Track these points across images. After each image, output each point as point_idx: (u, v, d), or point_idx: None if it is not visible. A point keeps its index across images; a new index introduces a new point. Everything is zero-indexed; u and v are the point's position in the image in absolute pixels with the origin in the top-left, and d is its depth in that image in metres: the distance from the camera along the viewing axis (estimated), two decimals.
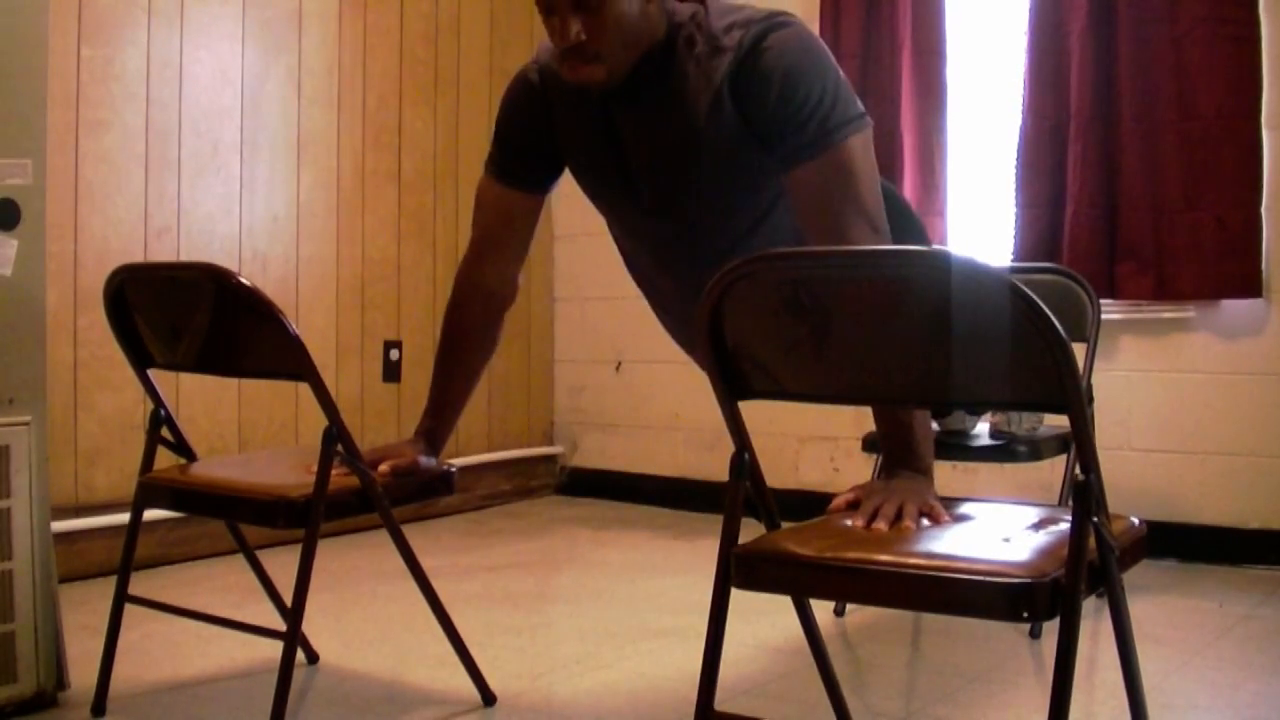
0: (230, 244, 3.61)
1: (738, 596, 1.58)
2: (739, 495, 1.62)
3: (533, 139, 2.17)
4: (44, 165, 2.22)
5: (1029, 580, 1.37)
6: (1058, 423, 2.85)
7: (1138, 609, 2.84)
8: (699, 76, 1.91)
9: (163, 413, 2.30)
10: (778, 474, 3.92)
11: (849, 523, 1.64)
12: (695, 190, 1.98)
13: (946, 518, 1.64)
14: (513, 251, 2.27)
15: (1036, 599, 1.36)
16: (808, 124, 1.83)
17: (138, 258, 3.32)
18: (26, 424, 2.19)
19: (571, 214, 4.64)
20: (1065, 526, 1.44)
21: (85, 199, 3.26)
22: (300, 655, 2.43)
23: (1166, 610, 2.97)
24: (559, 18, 1.92)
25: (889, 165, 3.85)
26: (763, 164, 1.91)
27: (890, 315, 1.46)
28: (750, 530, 1.60)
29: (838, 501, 1.76)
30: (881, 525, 1.61)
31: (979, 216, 3.92)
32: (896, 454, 1.79)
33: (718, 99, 1.89)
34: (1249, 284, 3.36)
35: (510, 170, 2.22)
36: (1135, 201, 3.48)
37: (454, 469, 2.29)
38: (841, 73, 1.89)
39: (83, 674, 2.29)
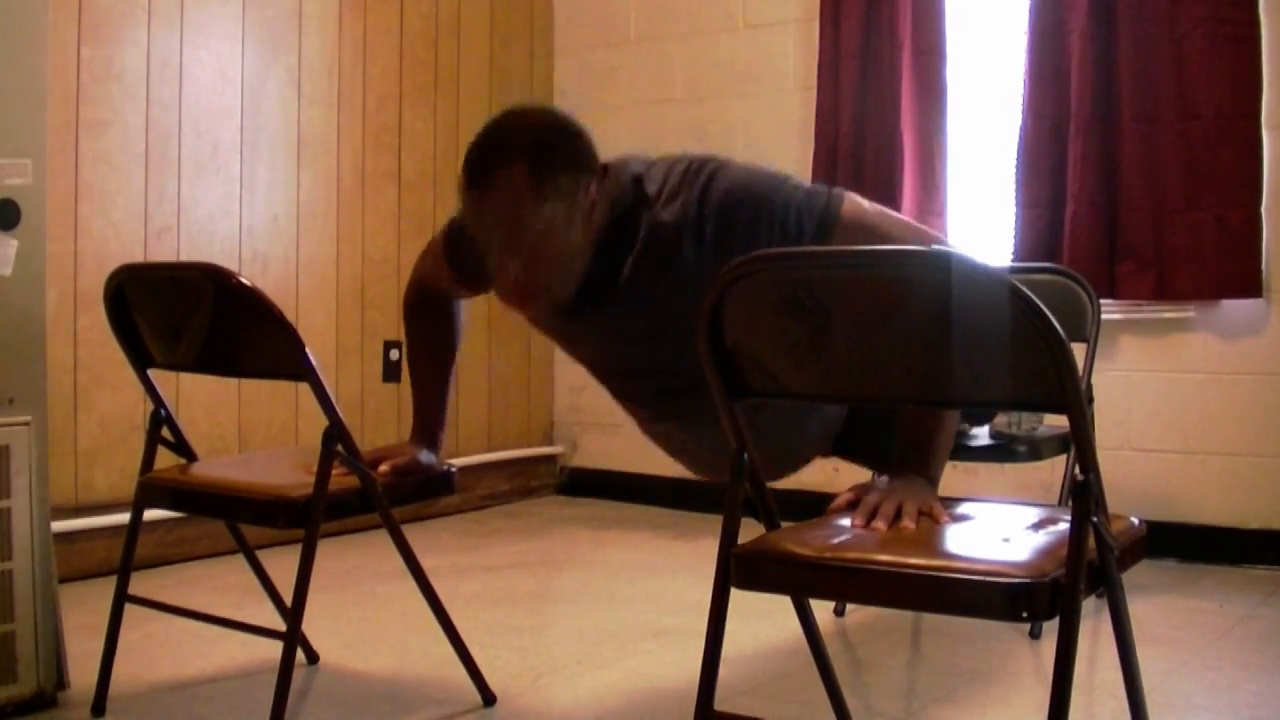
0: (230, 244, 3.61)
1: (738, 596, 1.58)
2: (739, 495, 1.62)
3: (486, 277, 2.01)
4: (44, 165, 2.22)
5: (1028, 580, 1.37)
6: (1058, 423, 2.84)
7: (1138, 609, 2.84)
8: (655, 264, 1.84)
9: (163, 413, 2.30)
10: None
11: (848, 523, 1.64)
12: (682, 359, 1.90)
13: (946, 518, 1.64)
14: (458, 296, 2.26)
15: (1036, 599, 1.36)
16: (803, 222, 1.80)
17: (138, 258, 3.32)
18: (26, 424, 2.19)
19: None
20: (1065, 526, 1.44)
21: (85, 199, 3.26)
22: (300, 655, 2.42)
23: (1166, 610, 2.97)
24: (493, 259, 1.82)
25: (889, 165, 3.85)
26: None
27: (890, 315, 1.46)
28: (750, 530, 1.60)
29: (837, 502, 1.76)
30: (881, 525, 1.61)
31: (979, 216, 3.92)
32: (909, 458, 1.78)
33: (685, 266, 1.82)
34: (1249, 284, 3.36)
35: (462, 266, 2.11)
36: (1135, 201, 3.48)
37: (454, 469, 2.29)
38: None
39: (83, 674, 2.29)
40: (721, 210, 1.81)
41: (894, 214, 1.92)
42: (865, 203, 1.87)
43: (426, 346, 2.31)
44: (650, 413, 2.09)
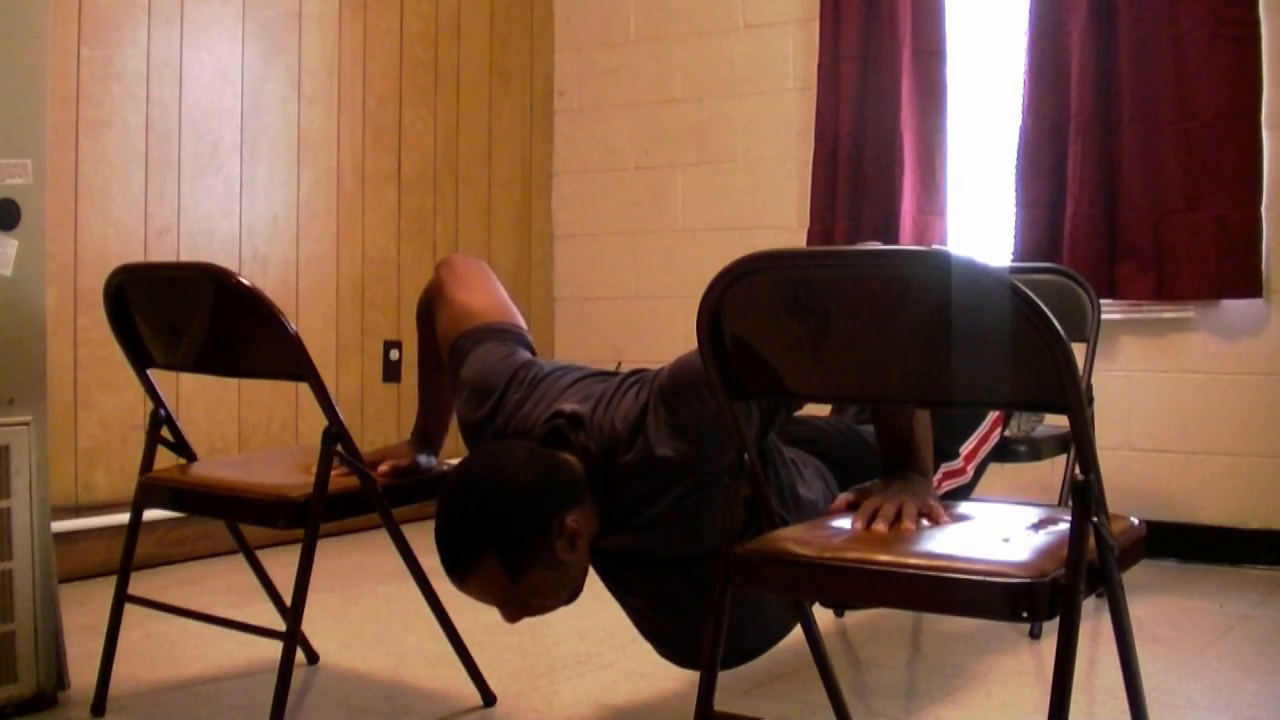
0: (230, 244, 3.61)
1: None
2: (739, 495, 1.62)
3: None
4: (44, 165, 2.22)
5: (1028, 580, 1.37)
6: (1057, 423, 2.84)
7: (1138, 609, 2.83)
8: (639, 481, 1.80)
9: (163, 413, 2.29)
10: None
11: (848, 523, 1.64)
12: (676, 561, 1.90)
13: (946, 518, 1.64)
14: None
15: (1036, 599, 1.36)
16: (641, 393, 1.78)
17: (138, 258, 3.32)
18: (26, 424, 2.19)
19: (571, 214, 4.64)
20: (1065, 526, 1.43)
21: (85, 199, 3.26)
22: (300, 655, 2.43)
23: (1166, 610, 2.97)
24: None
25: (889, 165, 3.85)
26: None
27: (890, 315, 1.46)
28: None
29: (837, 503, 1.76)
30: (881, 526, 1.61)
31: (979, 216, 3.92)
32: (895, 458, 1.79)
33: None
34: (1249, 284, 3.36)
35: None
36: (1135, 201, 3.48)
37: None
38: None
39: (83, 674, 2.29)
40: (665, 427, 1.75)
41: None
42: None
43: (437, 360, 2.28)
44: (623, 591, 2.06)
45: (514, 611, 1.80)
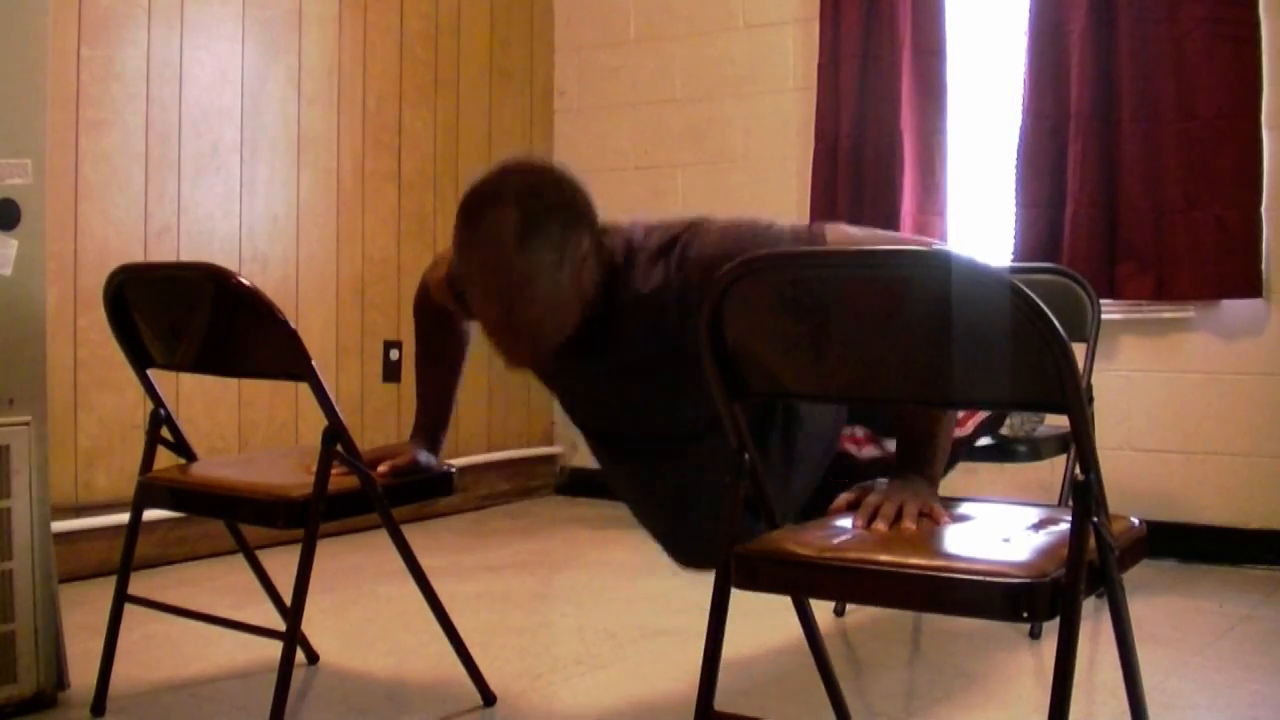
0: (230, 244, 3.61)
1: (738, 596, 1.58)
2: (739, 495, 1.62)
3: None
4: (44, 165, 2.22)
5: (1028, 580, 1.37)
6: (1057, 422, 2.84)
7: (1138, 609, 2.83)
8: (640, 334, 1.84)
9: (163, 413, 2.30)
10: None
11: (848, 523, 1.64)
12: (671, 413, 1.92)
13: (946, 518, 1.64)
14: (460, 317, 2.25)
15: (1036, 599, 1.36)
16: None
17: (138, 258, 3.32)
18: (26, 424, 2.19)
19: None
20: (1065, 527, 1.44)
21: (85, 199, 3.26)
22: (300, 655, 2.43)
23: (1166, 610, 2.97)
24: (478, 303, 1.82)
25: (889, 165, 3.85)
26: None
27: (890, 315, 1.46)
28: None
29: (838, 502, 1.75)
30: (881, 526, 1.61)
31: (979, 216, 3.92)
32: (907, 456, 1.78)
33: (670, 336, 1.81)
34: (1249, 284, 3.36)
35: (461, 296, 2.09)
36: (1135, 201, 3.48)
37: (454, 469, 2.29)
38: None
39: (83, 674, 2.29)
40: (705, 277, 1.76)
41: (885, 232, 1.92)
42: (853, 228, 1.87)
43: (435, 354, 2.30)
44: (625, 469, 2.08)
45: (500, 298, 1.76)
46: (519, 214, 1.73)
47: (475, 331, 2.33)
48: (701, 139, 4.37)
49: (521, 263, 1.73)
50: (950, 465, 1.97)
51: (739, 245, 1.76)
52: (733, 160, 4.31)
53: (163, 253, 3.41)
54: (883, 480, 1.77)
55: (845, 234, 1.85)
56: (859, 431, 2.13)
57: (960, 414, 2.20)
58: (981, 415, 2.28)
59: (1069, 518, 1.39)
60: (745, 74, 4.28)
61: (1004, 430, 2.79)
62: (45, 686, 2.21)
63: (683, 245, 1.84)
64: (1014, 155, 3.64)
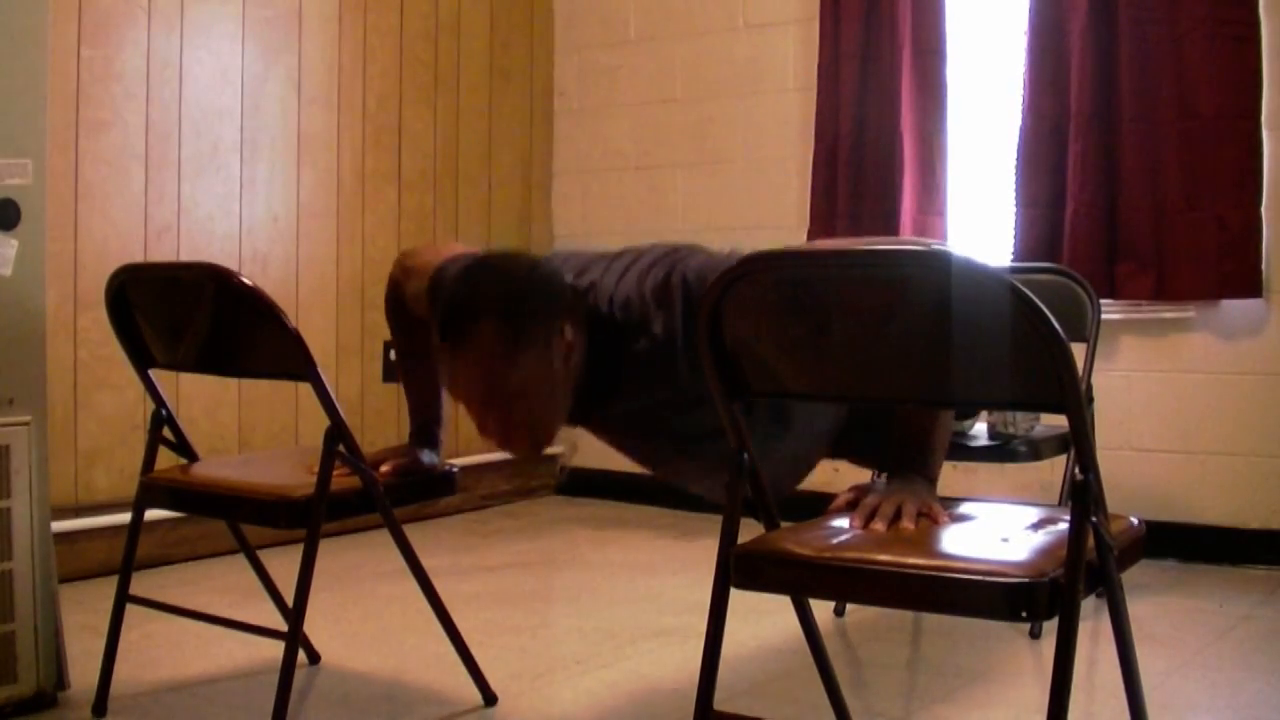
0: (230, 244, 3.61)
1: (738, 596, 1.58)
2: (739, 495, 1.62)
3: None
4: (44, 165, 2.22)
5: (1028, 580, 1.37)
6: (1057, 422, 2.84)
7: (1138, 609, 2.84)
8: (650, 381, 1.84)
9: (164, 413, 2.30)
10: None
11: (848, 523, 1.64)
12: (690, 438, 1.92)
13: (945, 518, 1.64)
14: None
15: (1035, 599, 1.36)
16: None
17: (138, 258, 3.32)
18: (26, 424, 2.19)
19: (571, 214, 4.64)
20: (1064, 526, 1.44)
21: (85, 199, 3.26)
22: (301, 655, 2.42)
23: (1166, 610, 2.97)
24: (472, 411, 1.82)
25: (889, 165, 3.85)
26: None
27: (890, 315, 1.46)
28: (750, 530, 1.61)
29: (837, 502, 1.75)
30: (880, 526, 1.61)
31: (979, 216, 3.92)
32: (904, 455, 1.78)
33: (683, 380, 1.80)
34: (1249, 284, 3.36)
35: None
36: (1135, 201, 3.48)
37: (455, 469, 2.29)
38: None
39: (83, 674, 2.30)
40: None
41: (879, 239, 1.92)
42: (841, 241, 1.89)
43: (418, 351, 2.27)
44: (664, 469, 2.11)
45: (492, 407, 1.77)
46: (500, 324, 1.73)
47: None
48: (701, 139, 4.37)
49: (513, 372, 1.75)
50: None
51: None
52: (733, 160, 4.31)
53: (163, 253, 3.41)
54: (881, 480, 1.77)
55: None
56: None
57: None
58: None
59: (1068, 518, 1.39)
60: (745, 74, 4.28)
61: (1000, 428, 2.79)
62: (45, 686, 2.21)
63: (682, 288, 1.80)
64: (1014, 155, 3.64)
